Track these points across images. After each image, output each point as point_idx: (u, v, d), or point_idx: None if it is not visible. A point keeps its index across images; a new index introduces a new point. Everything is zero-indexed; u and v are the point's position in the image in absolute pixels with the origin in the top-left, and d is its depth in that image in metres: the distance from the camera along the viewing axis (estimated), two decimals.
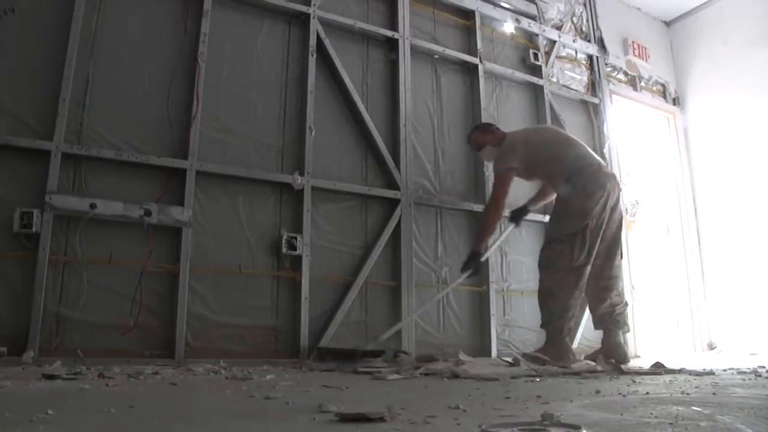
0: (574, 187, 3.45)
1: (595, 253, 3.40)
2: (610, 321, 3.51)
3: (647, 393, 1.75)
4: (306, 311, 3.34)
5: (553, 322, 3.40)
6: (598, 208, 3.39)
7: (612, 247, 3.54)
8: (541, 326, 3.49)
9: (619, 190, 3.61)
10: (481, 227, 3.67)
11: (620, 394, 1.76)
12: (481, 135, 3.85)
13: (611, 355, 3.34)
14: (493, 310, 4.01)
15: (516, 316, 4.20)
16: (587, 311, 4.42)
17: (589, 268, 3.42)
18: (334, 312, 3.45)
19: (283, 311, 3.34)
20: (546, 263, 3.49)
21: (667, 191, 5.69)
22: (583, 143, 3.78)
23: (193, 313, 3.07)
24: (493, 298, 4.04)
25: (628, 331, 3.67)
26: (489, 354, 3.90)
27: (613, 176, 3.67)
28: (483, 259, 3.61)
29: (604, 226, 3.43)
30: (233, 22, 3.55)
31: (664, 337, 5.15)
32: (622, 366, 3.00)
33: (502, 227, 3.93)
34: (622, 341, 3.56)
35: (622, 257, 3.63)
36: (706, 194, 5.55)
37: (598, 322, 3.60)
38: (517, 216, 3.94)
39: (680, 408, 1.41)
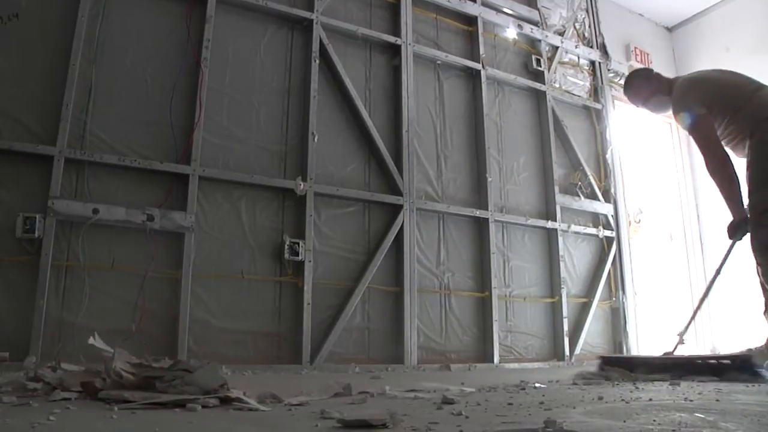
0: (764, 141, 2.87)
1: None
2: None
3: (650, 399, 1.74)
4: (308, 317, 3.33)
5: None
6: None
7: None
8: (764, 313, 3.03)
9: None
10: (722, 193, 3.03)
11: (623, 400, 1.75)
12: (645, 84, 3.33)
13: None
14: (495, 316, 4.00)
15: (518, 322, 4.19)
16: (590, 313, 4.44)
17: None
18: (337, 317, 3.44)
19: (286, 317, 3.34)
20: (762, 245, 2.89)
21: (669, 198, 5.68)
22: None
23: (196, 318, 3.06)
24: (496, 303, 4.03)
25: None
26: (492, 360, 3.89)
27: None
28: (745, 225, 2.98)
29: None
30: (236, 28, 3.56)
31: (667, 342, 5.12)
32: None
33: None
34: None
35: None
36: (708, 200, 5.53)
37: None
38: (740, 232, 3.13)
39: (683, 415, 1.41)
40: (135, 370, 1.68)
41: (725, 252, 3.21)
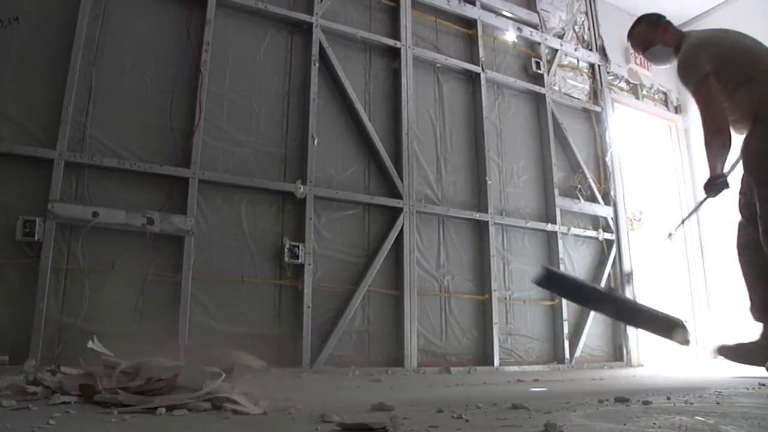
0: None
1: None
2: None
3: (651, 402, 1.74)
4: (308, 320, 3.33)
5: None
6: None
7: None
8: (756, 319, 2.95)
9: None
10: (709, 154, 2.90)
11: (623, 403, 1.75)
12: (648, 30, 3.20)
13: None
14: (495, 319, 3.99)
15: (518, 324, 4.19)
16: (590, 316, 4.44)
17: None
18: (337, 320, 3.44)
19: (286, 320, 3.34)
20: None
21: (669, 199, 5.68)
22: None
23: (196, 321, 3.06)
24: (496, 306, 4.03)
25: None
26: (492, 363, 3.89)
27: None
28: (725, 180, 2.91)
29: None
30: (236, 31, 3.57)
31: (668, 345, 5.12)
32: None
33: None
34: None
35: None
36: (708, 202, 5.52)
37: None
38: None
39: (684, 418, 1.40)
40: (122, 384, 1.66)
41: (697, 203, 3.25)
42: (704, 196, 3.01)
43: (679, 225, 3.49)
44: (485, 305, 4.05)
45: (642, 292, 4.77)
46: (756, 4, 5.36)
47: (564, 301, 4.32)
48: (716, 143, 2.85)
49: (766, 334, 2.97)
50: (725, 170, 2.90)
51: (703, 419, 1.38)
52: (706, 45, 3.00)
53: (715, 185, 2.90)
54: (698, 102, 2.92)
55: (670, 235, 3.30)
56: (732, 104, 2.93)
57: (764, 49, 2.97)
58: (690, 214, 3.49)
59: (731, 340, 3.11)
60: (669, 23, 3.18)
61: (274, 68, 3.66)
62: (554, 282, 3.03)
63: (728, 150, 2.88)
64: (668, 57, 3.17)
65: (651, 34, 3.18)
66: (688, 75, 2.97)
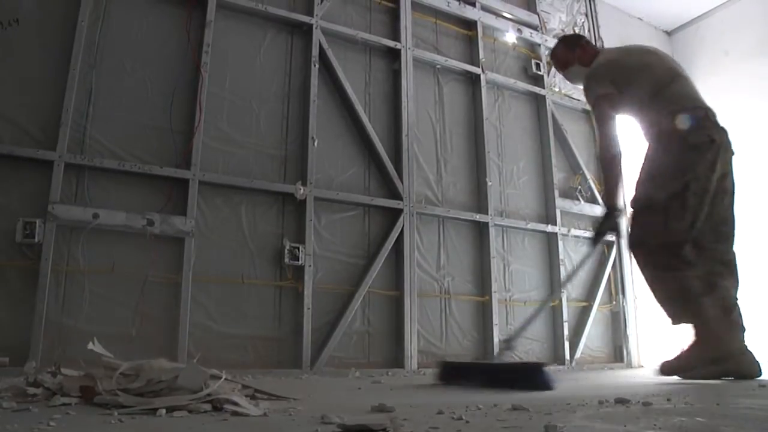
0: (668, 134, 2.79)
1: (699, 226, 2.70)
2: None
3: (651, 404, 1.74)
4: (308, 321, 3.33)
5: (682, 310, 2.75)
6: (703, 166, 2.69)
7: (720, 226, 2.80)
8: (673, 323, 2.85)
9: (732, 153, 2.86)
10: (604, 179, 3.05)
11: (624, 405, 1.75)
12: (566, 51, 3.25)
13: None
14: (495, 320, 3.99)
15: (518, 326, 4.18)
16: (591, 317, 4.44)
17: (689, 248, 2.72)
18: (337, 322, 3.44)
19: (286, 321, 3.34)
20: (637, 241, 2.84)
21: None
22: (691, 80, 3.02)
23: (196, 323, 3.06)
24: (496, 307, 4.03)
25: None
26: None
27: (726, 132, 2.86)
28: (620, 217, 2.93)
29: (711, 195, 2.71)
30: (236, 33, 3.57)
31: (668, 347, 5.12)
32: None
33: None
34: None
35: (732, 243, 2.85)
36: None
37: None
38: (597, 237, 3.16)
39: (684, 419, 1.40)
40: (123, 385, 1.66)
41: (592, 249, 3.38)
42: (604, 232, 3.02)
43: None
44: (485, 306, 4.05)
45: (642, 293, 4.77)
46: (756, 5, 5.36)
47: (564, 302, 4.33)
48: (611, 166, 2.95)
49: (697, 336, 2.82)
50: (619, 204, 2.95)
51: (703, 420, 1.38)
52: (610, 65, 3.04)
53: (609, 222, 2.93)
54: (595, 118, 3.00)
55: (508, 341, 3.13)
56: (642, 116, 2.99)
57: (662, 63, 3.03)
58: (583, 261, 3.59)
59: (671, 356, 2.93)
60: (588, 43, 3.25)
61: (274, 70, 3.66)
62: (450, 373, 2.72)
63: (618, 171, 2.96)
64: (582, 76, 3.17)
65: (569, 55, 3.22)
66: (587, 95, 3.05)
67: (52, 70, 2.98)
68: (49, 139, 2.89)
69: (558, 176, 4.62)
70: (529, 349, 4.17)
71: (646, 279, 2.86)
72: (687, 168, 2.70)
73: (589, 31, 5.35)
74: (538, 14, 4.96)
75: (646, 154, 2.94)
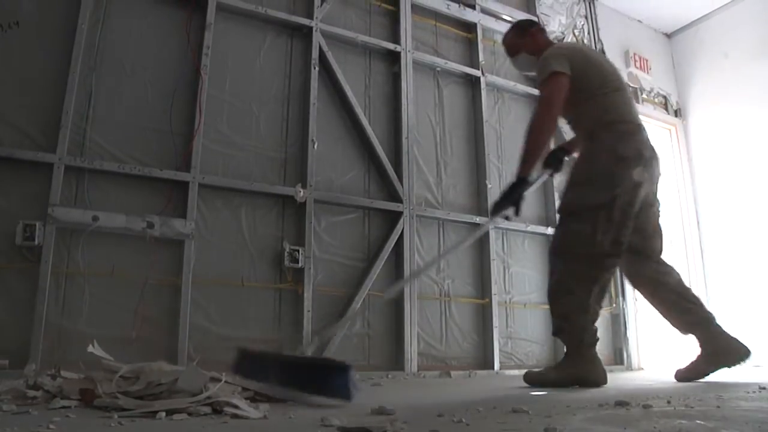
0: (600, 143, 2.75)
1: (624, 241, 2.69)
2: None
3: (651, 406, 1.74)
4: (308, 324, 3.33)
5: (567, 330, 2.72)
6: (630, 182, 2.66)
7: (648, 240, 2.88)
8: (554, 334, 2.84)
9: (659, 174, 2.88)
10: (525, 146, 2.70)
11: (624, 407, 1.75)
12: (516, 37, 3.11)
13: None
14: (495, 323, 3.99)
15: (519, 328, 4.19)
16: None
17: (616, 261, 2.73)
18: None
19: (286, 324, 3.33)
20: (560, 249, 2.78)
21: (669, 203, 5.68)
22: (631, 96, 3.01)
23: (196, 325, 3.06)
24: (496, 310, 4.02)
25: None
26: (492, 366, 3.89)
27: (656, 153, 2.87)
28: (528, 189, 2.71)
29: (636, 210, 2.72)
30: (236, 35, 3.58)
31: (668, 348, 5.12)
32: None
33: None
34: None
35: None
36: (708, 206, 5.54)
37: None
38: (554, 160, 3.08)
39: (684, 421, 1.40)
40: (122, 388, 1.66)
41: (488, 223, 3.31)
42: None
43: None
44: (485, 309, 4.05)
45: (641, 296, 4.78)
46: (756, 8, 5.36)
47: None
48: (542, 134, 2.70)
49: (703, 345, 2.93)
50: (532, 178, 2.75)
51: (703, 423, 1.38)
52: (570, 49, 3.02)
53: (514, 193, 2.65)
54: (542, 95, 2.77)
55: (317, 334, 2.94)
56: (575, 116, 2.93)
57: (612, 69, 2.94)
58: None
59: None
60: (539, 31, 3.11)
61: (274, 72, 3.66)
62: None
63: (546, 147, 2.86)
64: (532, 64, 3.02)
65: (519, 41, 3.08)
66: (542, 70, 2.78)
67: (52, 73, 2.98)
68: (49, 141, 2.89)
69: (558, 178, 4.61)
70: (528, 352, 4.16)
71: (555, 284, 2.77)
72: (616, 180, 2.66)
73: (589, 33, 5.36)
74: (537, 17, 4.95)
75: (576, 162, 2.89)
